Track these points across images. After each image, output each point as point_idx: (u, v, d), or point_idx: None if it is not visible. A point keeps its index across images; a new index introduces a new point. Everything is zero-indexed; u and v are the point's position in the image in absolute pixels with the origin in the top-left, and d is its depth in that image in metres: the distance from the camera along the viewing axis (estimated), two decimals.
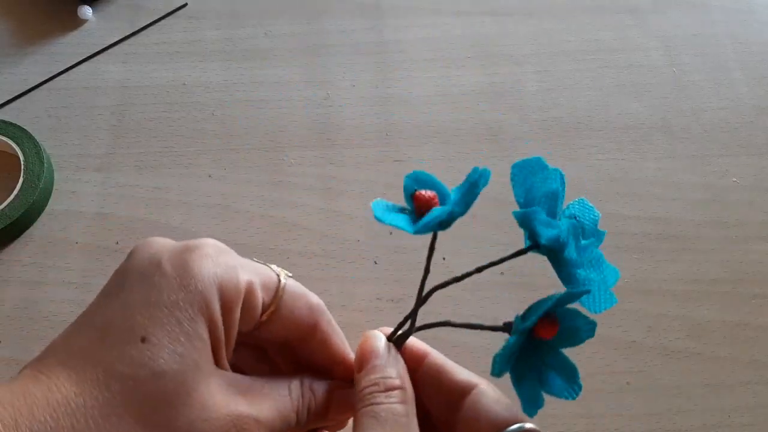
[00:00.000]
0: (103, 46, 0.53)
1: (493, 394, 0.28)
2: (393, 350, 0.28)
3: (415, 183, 0.27)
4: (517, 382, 0.25)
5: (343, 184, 0.47)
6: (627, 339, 0.43)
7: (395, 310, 0.43)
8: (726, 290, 0.45)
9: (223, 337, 0.25)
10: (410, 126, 0.50)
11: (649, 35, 0.55)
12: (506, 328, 0.26)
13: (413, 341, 0.30)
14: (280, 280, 0.28)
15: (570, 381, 0.25)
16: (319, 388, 0.28)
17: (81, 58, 0.53)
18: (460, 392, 0.28)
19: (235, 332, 0.26)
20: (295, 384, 0.28)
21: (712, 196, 0.48)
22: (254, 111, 0.51)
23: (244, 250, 0.45)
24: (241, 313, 0.25)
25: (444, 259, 0.45)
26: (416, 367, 0.29)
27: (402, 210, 0.27)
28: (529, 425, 0.26)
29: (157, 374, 0.22)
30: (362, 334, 0.28)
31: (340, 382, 0.29)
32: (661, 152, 0.50)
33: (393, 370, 0.27)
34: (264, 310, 0.27)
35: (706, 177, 0.49)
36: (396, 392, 0.26)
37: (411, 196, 0.27)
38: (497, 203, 0.47)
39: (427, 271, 0.28)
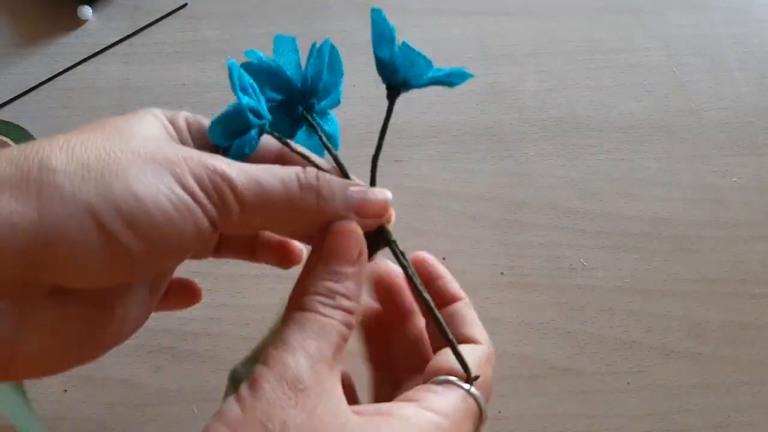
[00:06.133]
0: (103, 46, 0.53)
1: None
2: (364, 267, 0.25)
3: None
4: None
5: None
6: (627, 339, 0.43)
7: None
8: (726, 290, 0.45)
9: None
10: (410, 126, 0.50)
11: (649, 35, 0.55)
12: None
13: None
14: None
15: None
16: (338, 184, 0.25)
17: (81, 58, 0.53)
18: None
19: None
20: (304, 169, 0.24)
21: (712, 196, 0.48)
22: None
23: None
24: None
25: (444, 259, 0.45)
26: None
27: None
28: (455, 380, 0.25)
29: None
30: (339, 225, 0.25)
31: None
32: (661, 152, 0.50)
33: (358, 298, 0.24)
34: None
35: (706, 177, 0.49)
36: (353, 323, 0.24)
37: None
38: (497, 203, 0.47)
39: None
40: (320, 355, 0.22)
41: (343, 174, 0.27)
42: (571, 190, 0.48)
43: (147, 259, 0.22)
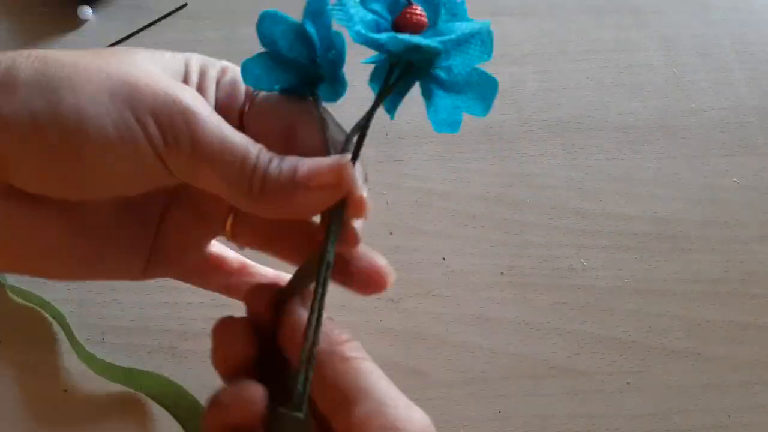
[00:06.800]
0: (103, 46, 0.53)
1: None
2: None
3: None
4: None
5: None
6: (627, 339, 0.43)
7: (394, 310, 0.43)
8: (726, 290, 0.45)
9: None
10: (410, 126, 0.50)
11: (649, 35, 0.55)
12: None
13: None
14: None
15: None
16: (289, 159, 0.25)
17: None
18: None
19: None
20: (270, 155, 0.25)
21: (712, 196, 0.48)
22: None
23: (246, 250, 0.45)
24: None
25: (444, 259, 0.45)
26: None
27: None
28: None
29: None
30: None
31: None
32: (661, 152, 0.50)
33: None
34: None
35: (706, 177, 0.49)
36: None
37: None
38: (497, 203, 0.47)
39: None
40: None
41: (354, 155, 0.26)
42: (571, 190, 0.48)
43: (88, 178, 0.22)
